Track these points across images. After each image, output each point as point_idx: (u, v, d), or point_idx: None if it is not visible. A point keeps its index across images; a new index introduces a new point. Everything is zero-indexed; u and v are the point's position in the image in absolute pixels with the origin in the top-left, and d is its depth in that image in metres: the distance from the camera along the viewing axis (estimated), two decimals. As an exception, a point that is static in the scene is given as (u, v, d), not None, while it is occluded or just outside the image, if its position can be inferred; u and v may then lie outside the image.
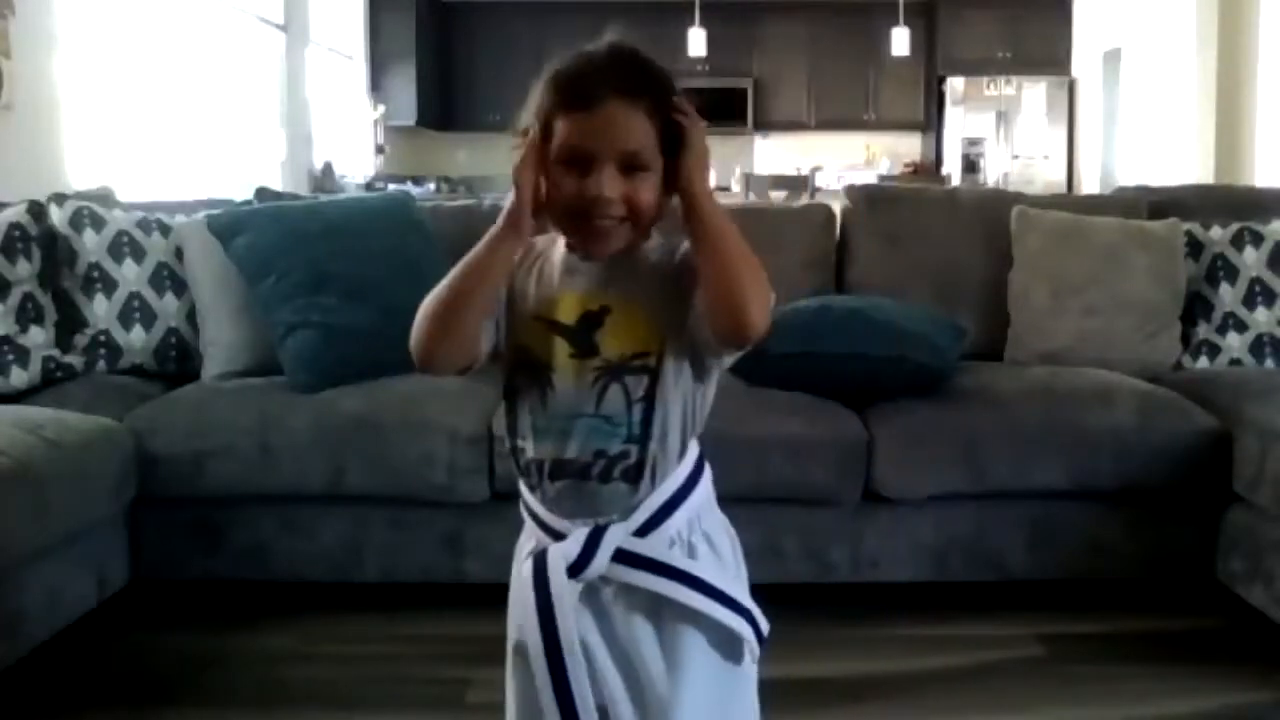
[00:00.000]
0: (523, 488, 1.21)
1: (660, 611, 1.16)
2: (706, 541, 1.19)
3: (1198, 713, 2.01)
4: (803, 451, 2.31)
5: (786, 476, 2.30)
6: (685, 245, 1.14)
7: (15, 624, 1.96)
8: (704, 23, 8.03)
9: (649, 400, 1.14)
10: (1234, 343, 2.70)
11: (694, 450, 1.20)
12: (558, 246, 1.20)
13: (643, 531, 1.15)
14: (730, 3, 8.70)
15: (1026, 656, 2.23)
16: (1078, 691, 2.09)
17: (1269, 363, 2.68)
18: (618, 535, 1.14)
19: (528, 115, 1.14)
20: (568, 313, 1.16)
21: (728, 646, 1.19)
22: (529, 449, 1.18)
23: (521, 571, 1.18)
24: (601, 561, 1.13)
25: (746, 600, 1.20)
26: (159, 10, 4.92)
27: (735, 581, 1.21)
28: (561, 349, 1.15)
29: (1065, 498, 2.37)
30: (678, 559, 1.16)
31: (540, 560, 1.15)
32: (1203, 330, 2.74)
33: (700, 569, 1.17)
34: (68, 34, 3.84)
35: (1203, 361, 2.71)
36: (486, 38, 9.07)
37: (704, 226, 1.08)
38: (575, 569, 1.14)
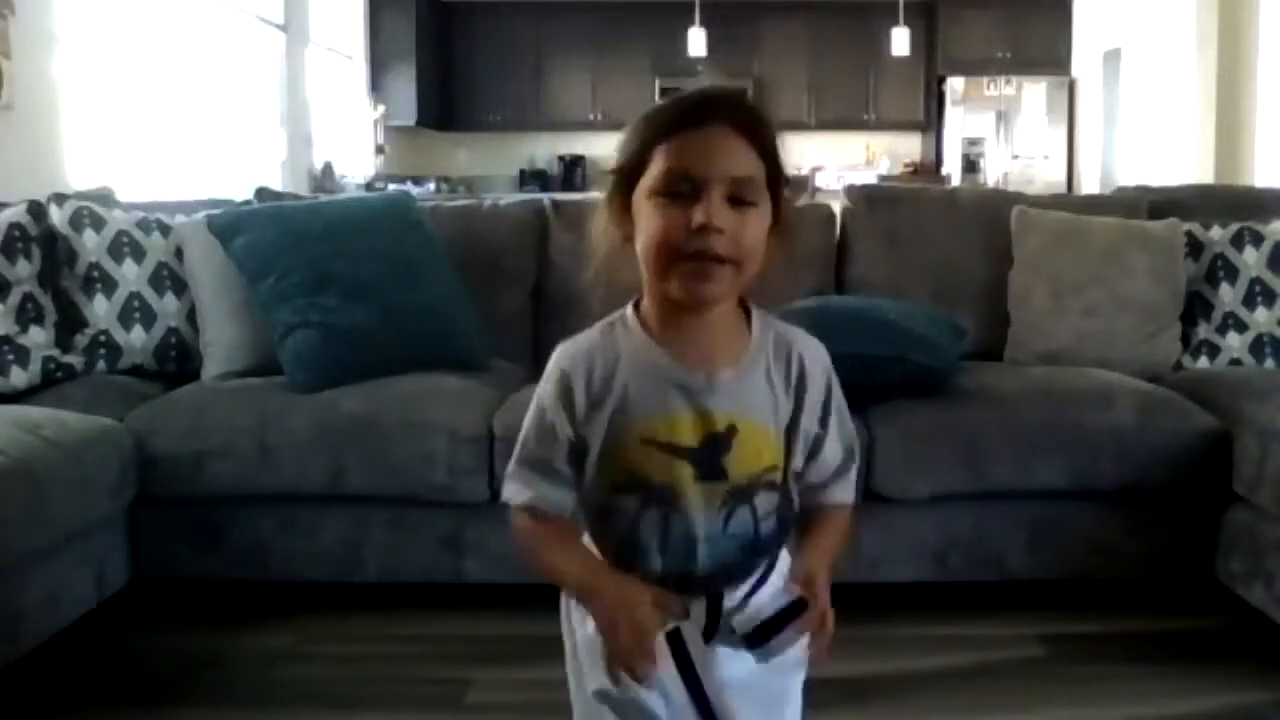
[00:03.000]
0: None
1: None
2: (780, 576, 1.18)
3: (1198, 713, 2.01)
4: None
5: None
6: (798, 346, 1.12)
7: (15, 624, 1.96)
8: (704, 23, 8.03)
9: (778, 515, 1.12)
10: (1234, 343, 2.70)
11: None
12: (633, 339, 1.10)
13: (751, 592, 1.13)
14: (730, 3, 8.70)
15: (1026, 656, 2.23)
16: (1078, 691, 2.09)
17: (1269, 363, 2.68)
18: (732, 603, 1.12)
19: (623, 151, 1.06)
20: (686, 434, 1.07)
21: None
22: (645, 566, 1.11)
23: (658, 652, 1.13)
24: (725, 628, 1.11)
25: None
26: (159, 10, 4.91)
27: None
28: (684, 472, 1.07)
29: (1065, 498, 2.37)
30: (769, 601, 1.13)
31: (676, 634, 1.09)
32: (1203, 330, 2.74)
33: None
34: (68, 34, 3.84)
35: (1203, 361, 2.71)
36: (486, 38, 9.07)
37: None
38: (707, 635, 1.12)
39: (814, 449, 1.15)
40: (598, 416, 1.09)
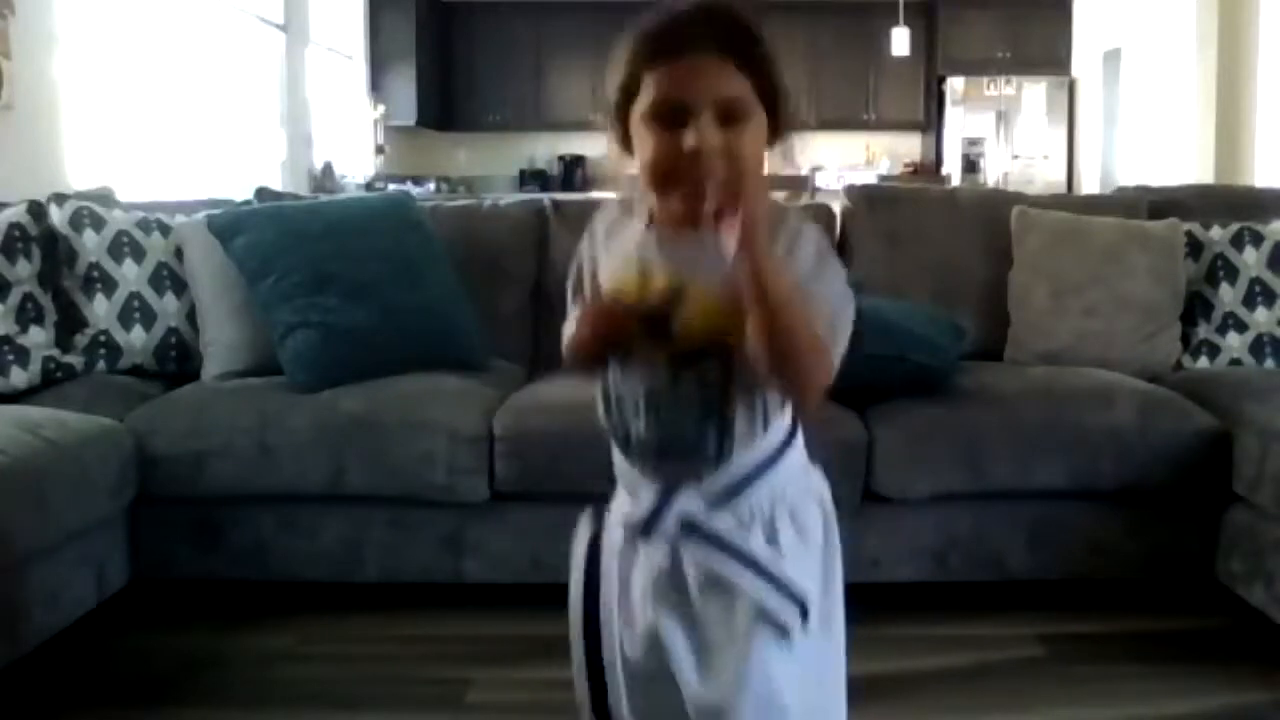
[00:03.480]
0: (616, 453, 1.19)
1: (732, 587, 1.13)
2: (791, 521, 1.14)
3: (1198, 713, 2.01)
4: (803, 451, 2.30)
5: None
6: (784, 221, 1.09)
7: (15, 624, 1.96)
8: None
9: (723, 385, 1.10)
10: (1234, 343, 2.70)
11: (781, 424, 1.15)
12: (638, 218, 1.15)
13: (716, 504, 1.12)
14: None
15: (1026, 656, 2.23)
16: (1078, 691, 2.09)
17: (1269, 363, 2.67)
18: (688, 503, 1.12)
19: (613, 79, 1.09)
20: (637, 292, 1.10)
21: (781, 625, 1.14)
22: (614, 418, 1.15)
23: (576, 536, 1.18)
24: (668, 526, 1.11)
25: (801, 582, 1.13)
26: (159, 10, 4.91)
27: (813, 561, 1.16)
28: (638, 332, 1.10)
29: (1065, 498, 2.37)
30: (736, 535, 1.12)
31: (598, 525, 1.16)
32: (1203, 330, 2.74)
33: (761, 547, 1.12)
34: (68, 34, 3.84)
35: (1203, 361, 2.71)
36: (486, 38, 9.07)
37: (758, 294, 0.99)
38: (643, 531, 1.13)
39: None
40: (597, 265, 1.17)
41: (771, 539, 1.13)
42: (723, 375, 1.09)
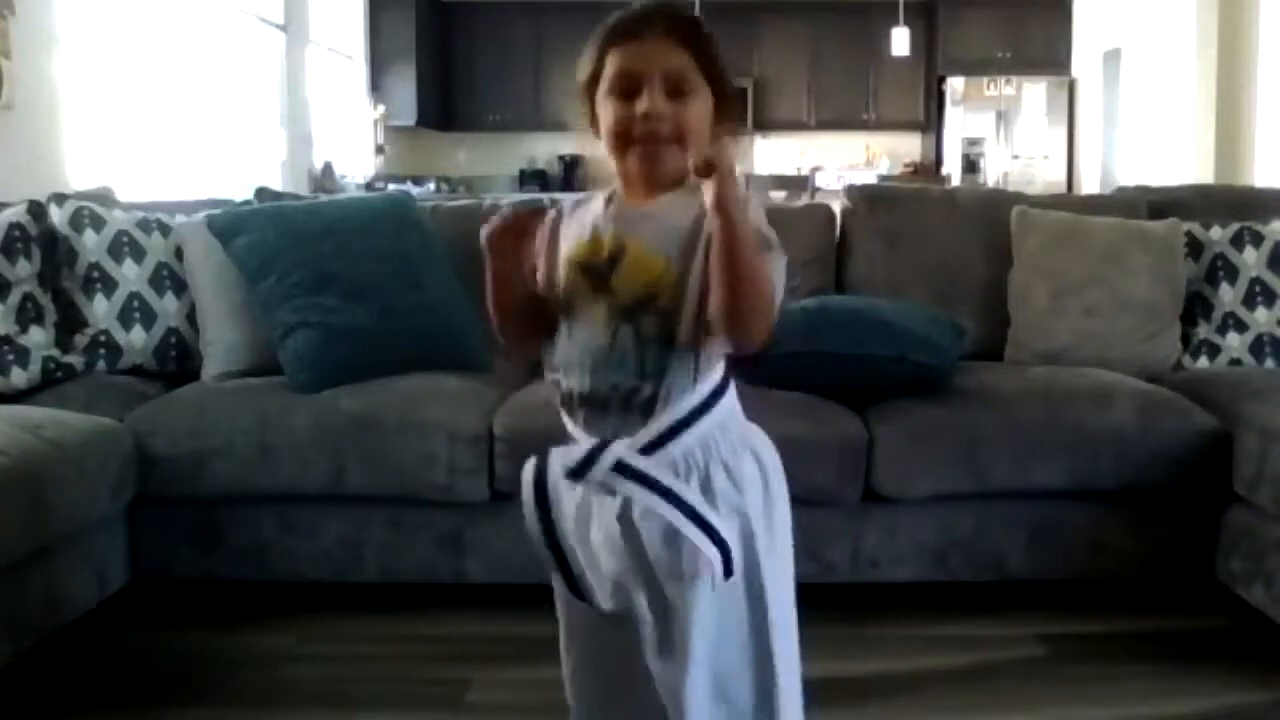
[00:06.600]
0: (563, 415, 1.29)
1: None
2: (725, 471, 1.24)
3: (1198, 713, 2.01)
4: (803, 451, 2.30)
5: (786, 476, 2.29)
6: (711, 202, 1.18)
7: (15, 624, 1.96)
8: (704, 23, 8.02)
9: (660, 341, 1.21)
10: (1234, 343, 2.70)
11: (712, 377, 1.24)
12: (599, 198, 1.30)
13: (648, 450, 1.21)
14: (730, 3, 8.69)
15: (1026, 656, 2.23)
16: (1078, 691, 2.09)
17: (1269, 363, 2.67)
18: (620, 449, 1.21)
19: (583, 66, 1.27)
20: (586, 251, 1.25)
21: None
22: (561, 380, 1.27)
23: (523, 474, 1.28)
24: (601, 469, 1.21)
25: (723, 529, 1.22)
26: (159, 10, 4.91)
27: (757, 508, 1.26)
28: (582, 284, 1.24)
29: (1065, 498, 2.37)
30: (663, 474, 1.21)
31: (542, 462, 1.28)
32: (1203, 330, 2.74)
33: (692, 492, 1.22)
34: (68, 34, 3.84)
35: (1203, 361, 2.71)
36: (486, 38, 9.07)
37: (726, 232, 1.11)
38: (577, 473, 1.23)
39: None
40: (554, 254, 1.30)
41: (705, 487, 1.23)
42: (657, 331, 1.20)
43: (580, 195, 1.35)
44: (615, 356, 1.22)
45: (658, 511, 1.21)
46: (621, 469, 1.21)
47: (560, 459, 1.26)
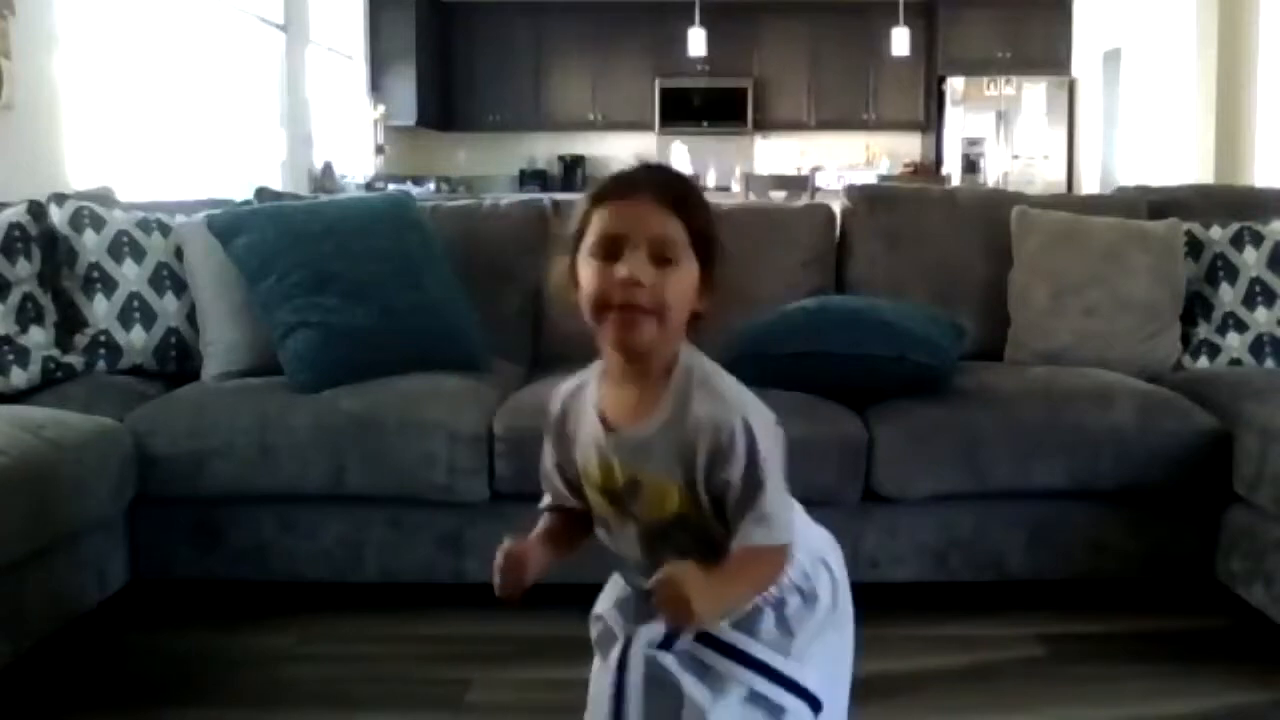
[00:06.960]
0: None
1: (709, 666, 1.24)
2: (799, 593, 1.26)
3: (1198, 713, 2.01)
4: (803, 451, 2.30)
5: (787, 476, 2.30)
6: (695, 410, 1.18)
7: (15, 624, 1.96)
8: (704, 23, 8.02)
9: (699, 549, 1.19)
10: (1234, 343, 2.70)
11: None
12: (589, 396, 1.27)
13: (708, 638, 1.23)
14: (730, 3, 8.70)
15: (1026, 656, 2.23)
16: (1078, 691, 2.09)
17: (1269, 363, 2.67)
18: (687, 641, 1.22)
19: (570, 223, 1.21)
20: (604, 481, 1.24)
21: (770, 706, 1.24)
22: (625, 580, 1.31)
23: (609, 657, 1.25)
24: (684, 641, 1.22)
25: (804, 678, 1.25)
26: (159, 10, 4.91)
27: (812, 638, 1.28)
28: (611, 510, 1.26)
29: (1065, 498, 2.37)
30: (727, 633, 1.22)
31: (626, 645, 1.24)
32: (1203, 330, 2.74)
33: (763, 640, 1.23)
34: (68, 34, 3.84)
35: (1203, 361, 2.71)
36: (486, 38, 9.07)
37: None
38: (665, 644, 1.22)
39: (724, 493, 1.20)
40: (571, 453, 1.30)
41: (780, 618, 1.24)
42: (694, 543, 1.20)
43: (566, 387, 1.32)
44: (654, 565, 1.17)
45: (739, 679, 1.22)
46: (702, 639, 1.22)
47: (646, 637, 1.23)
